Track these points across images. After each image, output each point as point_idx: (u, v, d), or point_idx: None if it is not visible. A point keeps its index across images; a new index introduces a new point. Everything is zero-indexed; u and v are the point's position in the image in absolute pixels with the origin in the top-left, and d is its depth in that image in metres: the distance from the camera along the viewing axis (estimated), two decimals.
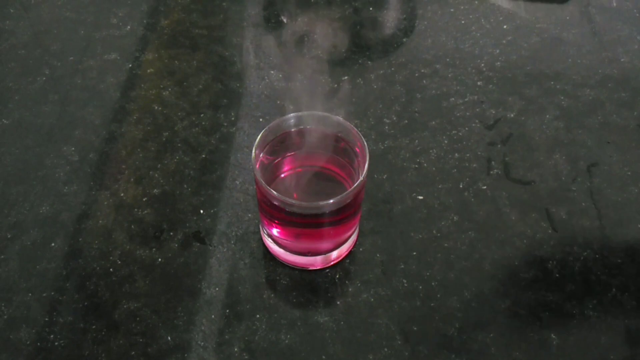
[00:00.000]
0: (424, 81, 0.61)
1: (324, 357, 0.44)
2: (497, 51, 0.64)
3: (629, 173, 0.54)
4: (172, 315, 0.46)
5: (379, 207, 0.52)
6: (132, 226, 0.50)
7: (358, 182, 0.42)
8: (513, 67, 0.62)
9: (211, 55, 0.63)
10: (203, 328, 0.45)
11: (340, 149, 0.47)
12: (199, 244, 0.50)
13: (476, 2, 0.69)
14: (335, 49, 0.64)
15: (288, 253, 0.47)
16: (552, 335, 0.45)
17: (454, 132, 0.57)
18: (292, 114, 0.46)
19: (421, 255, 0.49)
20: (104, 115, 0.58)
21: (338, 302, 0.47)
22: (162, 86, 0.60)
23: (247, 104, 0.59)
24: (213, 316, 0.46)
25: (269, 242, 0.48)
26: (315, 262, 0.48)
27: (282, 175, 0.48)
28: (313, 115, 0.46)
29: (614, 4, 0.68)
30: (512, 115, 0.58)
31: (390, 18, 0.68)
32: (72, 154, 0.55)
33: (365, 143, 0.44)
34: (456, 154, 0.55)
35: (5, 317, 0.46)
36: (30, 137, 0.56)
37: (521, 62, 0.63)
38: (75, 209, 0.52)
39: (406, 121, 0.58)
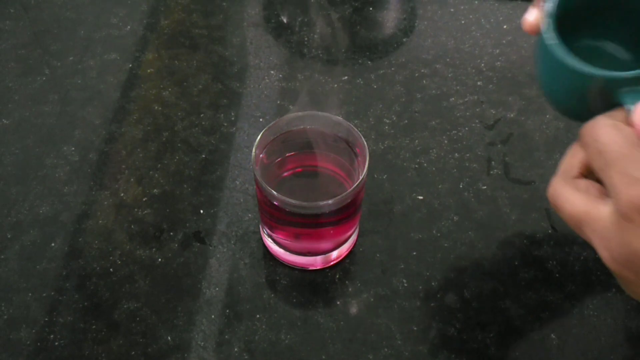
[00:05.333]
0: (424, 81, 0.61)
1: (324, 357, 0.44)
2: (497, 51, 0.64)
3: None
4: (172, 315, 0.46)
5: (379, 207, 0.52)
6: (132, 226, 0.50)
7: (358, 182, 0.42)
8: (513, 67, 0.62)
9: (211, 55, 0.63)
10: (203, 328, 0.45)
11: (340, 149, 0.47)
12: (199, 244, 0.50)
13: (476, 2, 0.69)
14: (335, 49, 0.64)
15: (288, 253, 0.47)
16: (552, 335, 0.45)
17: (454, 132, 0.57)
18: (292, 114, 0.46)
19: (421, 255, 0.49)
20: (104, 115, 0.58)
21: (338, 302, 0.47)
22: (162, 86, 0.60)
23: (247, 104, 0.59)
24: (213, 316, 0.46)
25: (269, 242, 0.48)
26: (315, 262, 0.48)
27: (282, 175, 0.48)
28: (313, 115, 0.46)
29: None
30: (512, 115, 0.58)
31: (390, 18, 0.68)
32: (72, 154, 0.55)
33: (365, 143, 0.44)
34: (456, 154, 0.55)
35: (5, 317, 0.46)
36: (30, 137, 0.56)
37: (521, 62, 0.63)
38: (75, 209, 0.52)
39: (406, 121, 0.57)
